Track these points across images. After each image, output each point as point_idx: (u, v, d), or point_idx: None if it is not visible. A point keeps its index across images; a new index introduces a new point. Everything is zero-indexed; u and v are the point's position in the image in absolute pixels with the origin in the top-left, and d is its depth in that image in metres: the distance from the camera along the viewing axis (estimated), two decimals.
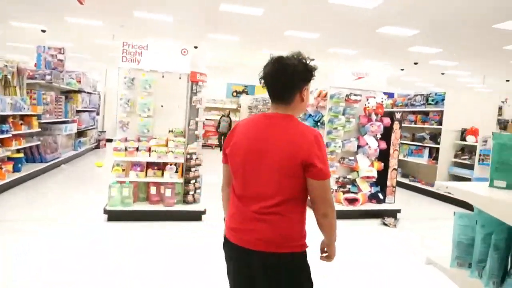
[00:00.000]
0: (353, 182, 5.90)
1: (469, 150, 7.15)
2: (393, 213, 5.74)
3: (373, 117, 5.74)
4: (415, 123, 8.30)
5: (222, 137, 14.31)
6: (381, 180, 5.94)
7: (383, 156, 5.89)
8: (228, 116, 14.58)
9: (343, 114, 5.73)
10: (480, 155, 6.28)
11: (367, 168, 5.73)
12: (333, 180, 5.62)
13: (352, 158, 5.77)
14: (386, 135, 5.81)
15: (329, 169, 1.56)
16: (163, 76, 5.08)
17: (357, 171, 5.81)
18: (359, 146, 5.78)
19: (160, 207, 4.96)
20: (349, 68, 5.87)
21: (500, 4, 6.79)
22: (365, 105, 5.75)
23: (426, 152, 7.90)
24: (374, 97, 5.78)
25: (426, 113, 8.15)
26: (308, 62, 1.59)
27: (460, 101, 7.48)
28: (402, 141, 7.31)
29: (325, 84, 5.99)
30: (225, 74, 18.57)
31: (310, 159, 1.49)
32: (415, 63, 14.78)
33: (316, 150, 1.51)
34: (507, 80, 17.43)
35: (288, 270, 1.56)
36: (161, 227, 4.69)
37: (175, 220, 4.88)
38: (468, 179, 6.55)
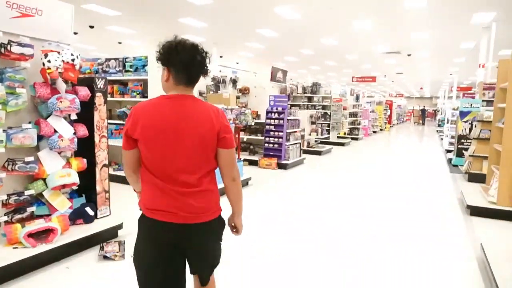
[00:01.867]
0: (37, 200, 3.41)
1: None
2: (113, 233, 3.78)
3: (61, 86, 3.41)
4: (112, 96, 6.42)
5: None
6: (86, 186, 3.77)
7: (85, 148, 3.73)
8: None
9: (0, 81, 3.06)
10: None
11: (61, 171, 3.41)
12: None
13: (30, 159, 3.24)
14: (86, 114, 3.63)
15: None
16: None
17: (44, 179, 3.38)
18: (41, 137, 3.33)
19: None
20: None
21: None
22: (43, 64, 3.30)
23: None
24: (59, 52, 3.43)
25: (124, 83, 6.44)
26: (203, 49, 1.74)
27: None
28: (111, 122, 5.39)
29: None
30: None
31: (223, 130, 1.69)
32: (91, 27, 12.57)
33: (225, 122, 1.72)
34: None
35: (213, 233, 1.78)
36: None
37: None
38: None
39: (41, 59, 3.30)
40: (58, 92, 3.41)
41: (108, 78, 6.30)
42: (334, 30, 12.41)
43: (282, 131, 8.41)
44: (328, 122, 14.06)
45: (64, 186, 3.47)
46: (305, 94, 14.54)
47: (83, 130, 3.62)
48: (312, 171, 8.58)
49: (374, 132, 20.15)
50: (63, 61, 3.42)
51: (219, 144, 1.69)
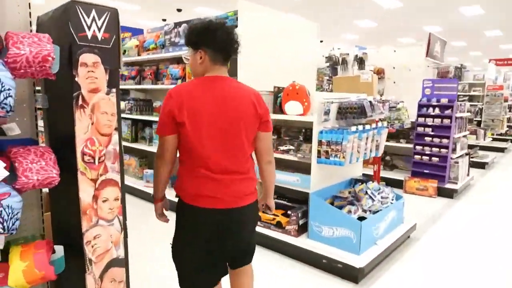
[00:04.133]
0: None
1: None
2: None
3: None
4: (185, 80, 4.04)
5: None
6: None
7: None
8: None
9: None
10: None
11: None
12: None
13: None
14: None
15: None
16: None
17: None
18: None
19: None
20: None
21: None
22: None
23: None
24: None
25: None
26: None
27: None
28: None
29: None
30: None
31: (265, 114, 1.71)
32: None
33: (265, 105, 1.74)
34: None
35: (255, 215, 1.83)
36: None
37: None
38: None
39: None
40: None
41: (177, 53, 3.95)
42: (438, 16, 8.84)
43: (447, 137, 5.20)
44: (479, 119, 10.14)
45: None
46: None
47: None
48: (498, 202, 5.17)
49: None
50: None
51: (261, 128, 1.70)
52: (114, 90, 1.40)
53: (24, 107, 1.52)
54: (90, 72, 1.32)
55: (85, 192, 1.33)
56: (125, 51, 5.29)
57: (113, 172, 1.41)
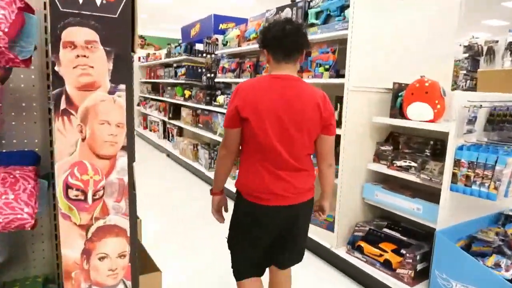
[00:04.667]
0: None
1: None
2: None
3: None
4: None
5: None
6: None
7: None
8: None
9: None
10: None
11: None
12: None
13: None
14: None
15: None
16: None
17: None
18: None
19: None
20: None
21: None
22: None
23: None
24: None
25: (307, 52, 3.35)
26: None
27: None
28: None
29: None
30: None
31: (329, 117, 1.67)
32: None
33: (331, 108, 1.69)
34: None
35: (311, 211, 1.84)
36: None
37: None
38: None
39: None
40: None
41: None
42: None
43: None
44: None
45: None
46: None
47: None
48: None
49: None
50: None
51: (324, 131, 1.68)
52: (122, 87, 0.89)
53: (32, 108, 1.11)
54: (81, 58, 0.82)
55: (70, 244, 0.86)
56: (227, 42, 4.96)
57: (118, 215, 0.91)
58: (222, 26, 6.01)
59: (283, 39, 1.61)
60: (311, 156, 1.75)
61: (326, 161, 1.76)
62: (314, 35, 3.05)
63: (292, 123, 1.59)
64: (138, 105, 9.70)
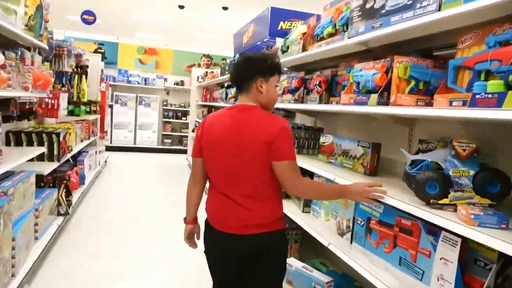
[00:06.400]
0: None
1: None
2: None
3: None
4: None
5: None
6: None
7: None
8: None
9: None
10: None
11: None
12: None
13: None
14: None
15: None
16: None
17: None
18: None
19: None
20: None
21: None
22: None
23: None
24: None
25: None
26: (270, 58, 1.69)
27: None
28: None
29: None
30: None
31: (275, 141, 1.57)
32: None
33: (283, 136, 1.59)
34: None
35: (274, 254, 1.69)
36: None
37: None
38: None
39: None
40: None
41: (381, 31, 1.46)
42: None
43: None
44: None
45: None
46: None
47: None
48: None
49: None
50: None
51: (272, 157, 1.59)
52: None
53: None
54: None
55: None
56: (287, 47, 3.21)
57: None
58: (283, 25, 4.15)
59: (232, 72, 1.75)
60: (278, 187, 1.66)
61: (287, 189, 1.64)
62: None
63: (234, 150, 1.59)
64: (193, 131, 8.38)
